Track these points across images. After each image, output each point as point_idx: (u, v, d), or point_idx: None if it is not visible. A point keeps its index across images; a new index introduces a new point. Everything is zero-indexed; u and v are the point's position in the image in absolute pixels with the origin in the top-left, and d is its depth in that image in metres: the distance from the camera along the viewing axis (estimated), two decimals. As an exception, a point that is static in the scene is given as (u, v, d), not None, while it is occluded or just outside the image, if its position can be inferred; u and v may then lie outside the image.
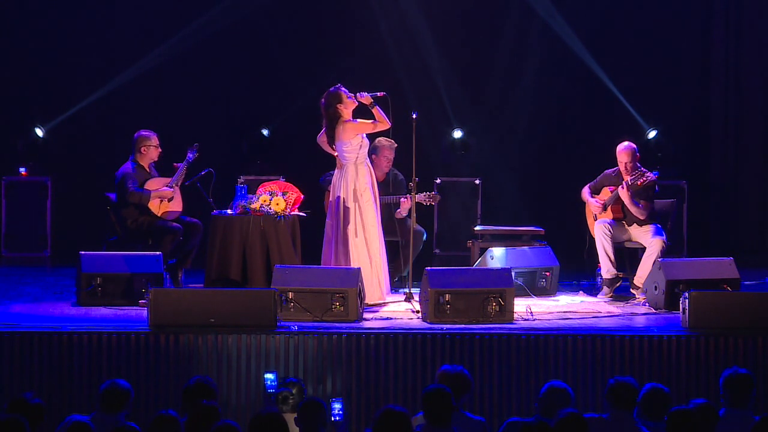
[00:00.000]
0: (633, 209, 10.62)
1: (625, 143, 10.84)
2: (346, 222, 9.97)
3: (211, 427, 5.87)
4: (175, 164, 10.81)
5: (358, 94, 9.92)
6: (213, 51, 14.05)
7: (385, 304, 9.95)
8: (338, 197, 10.00)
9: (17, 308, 9.79)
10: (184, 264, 10.71)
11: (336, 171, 10.13)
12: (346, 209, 9.96)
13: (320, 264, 10.09)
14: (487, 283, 9.33)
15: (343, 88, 9.97)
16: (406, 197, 10.81)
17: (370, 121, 9.96)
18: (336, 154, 10.07)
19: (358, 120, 9.98)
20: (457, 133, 14.17)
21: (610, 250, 10.57)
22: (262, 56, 14.17)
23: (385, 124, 9.93)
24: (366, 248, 9.97)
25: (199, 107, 13.99)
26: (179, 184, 10.77)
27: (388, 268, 10.32)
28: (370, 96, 9.91)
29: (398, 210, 10.97)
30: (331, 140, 10.00)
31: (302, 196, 10.53)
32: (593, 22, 14.12)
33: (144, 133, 10.85)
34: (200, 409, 6.20)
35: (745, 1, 14.27)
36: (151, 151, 10.79)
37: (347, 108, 9.96)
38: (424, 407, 6.41)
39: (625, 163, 10.72)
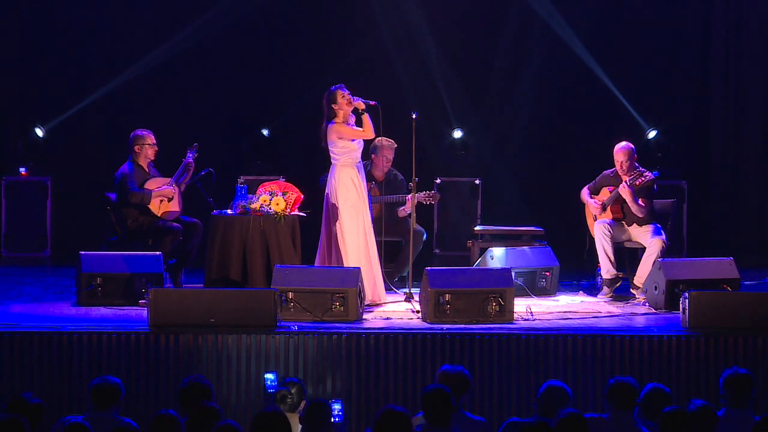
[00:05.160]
0: (634, 207, 10.61)
1: (622, 143, 10.85)
2: (334, 220, 9.99)
3: (212, 427, 5.87)
4: (186, 160, 10.75)
5: (353, 98, 9.93)
6: (213, 51, 14.04)
7: (375, 305, 9.92)
8: (327, 195, 10.05)
9: (17, 308, 9.79)
10: (184, 264, 10.71)
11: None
12: (333, 208, 9.99)
13: (315, 263, 10.10)
14: (487, 283, 9.33)
15: (343, 89, 9.98)
16: (409, 196, 10.81)
17: (357, 128, 9.96)
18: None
19: (345, 125, 9.96)
20: (457, 133, 14.17)
21: (609, 250, 10.56)
22: (262, 56, 14.17)
23: (369, 134, 9.95)
24: (345, 251, 9.94)
25: (199, 107, 13.99)
26: (185, 183, 10.75)
27: (389, 269, 10.32)
28: (363, 102, 9.92)
29: (401, 208, 10.97)
30: (322, 138, 10.03)
31: (302, 196, 10.53)
32: (593, 22, 14.12)
33: (139, 132, 10.84)
34: (201, 409, 6.20)
35: (745, 1, 14.27)
36: (146, 149, 10.78)
37: (341, 109, 9.96)
38: (424, 407, 6.42)
39: (621, 162, 10.71)
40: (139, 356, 8.51)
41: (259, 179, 11.82)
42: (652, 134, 13.96)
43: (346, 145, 9.98)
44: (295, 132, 13.88)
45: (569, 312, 9.83)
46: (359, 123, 10.04)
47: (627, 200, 10.61)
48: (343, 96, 9.94)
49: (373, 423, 5.95)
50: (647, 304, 10.10)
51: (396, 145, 10.97)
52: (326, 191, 10.11)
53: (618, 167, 10.77)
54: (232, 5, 13.81)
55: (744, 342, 8.64)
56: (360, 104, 9.92)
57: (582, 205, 11.06)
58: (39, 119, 13.91)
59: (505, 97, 14.27)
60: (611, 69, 14.06)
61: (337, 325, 8.90)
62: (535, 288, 10.63)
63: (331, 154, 10.04)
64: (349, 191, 9.96)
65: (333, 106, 9.97)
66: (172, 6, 13.98)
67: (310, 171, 11.61)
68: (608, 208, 10.78)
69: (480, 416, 7.22)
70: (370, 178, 10.94)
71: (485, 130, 14.31)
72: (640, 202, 10.63)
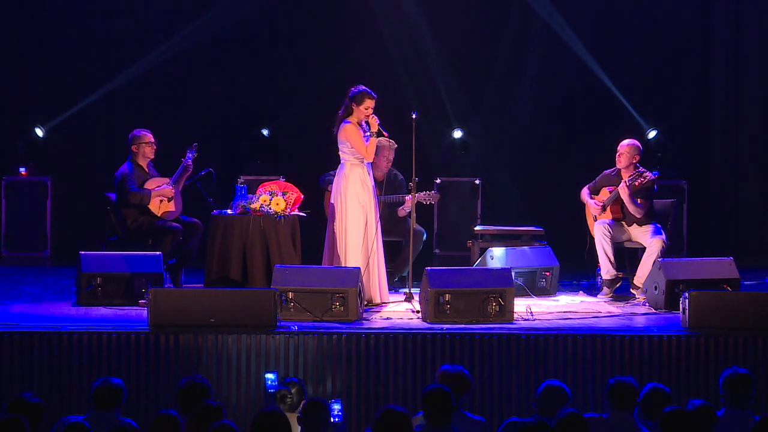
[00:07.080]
0: (631, 207, 10.61)
1: (629, 140, 10.84)
2: (332, 219, 10.00)
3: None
4: (186, 161, 10.73)
5: (373, 114, 9.91)
6: (213, 51, 14.06)
7: (377, 305, 9.91)
8: (333, 194, 10.06)
9: (17, 308, 9.79)
10: (184, 264, 10.71)
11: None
12: (333, 207, 10.00)
13: (321, 263, 10.09)
14: (487, 283, 9.32)
15: (373, 98, 9.86)
16: (409, 195, 10.81)
17: (363, 142, 9.92)
18: None
19: (358, 130, 9.93)
20: (457, 133, 14.18)
21: (609, 250, 10.56)
22: (261, 56, 14.18)
23: (369, 156, 9.94)
24: (345, 249, 9.93)
25: (199, 107, 14.00)
26: (182, 183, 10.75)
27: (389, 268, 10.31)
28: (378, 126, 9.88)
29: (401, 207, 10.97)
30: (335, 124, 10.00)
31: (302, 196, 10.53)
32: (593, 22, 14.13)
33: (137, 131, 10.84)
34: (204, 408, 6.20)
35: (745, 1, 14.27)
36: (144, 148, 10.76)
37: (358, 112, 9.92)
38: (424, 407, 6.42)
39: (621, 155, 10.69)
40: (139, 356, 8.50)
41: (259, 179, 11.82)
42: (652, 134, 13.97)
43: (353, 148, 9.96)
44: (295, 132, 13.89)
45: (569, 312, 9.82)
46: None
47: (624, 200, 10.60)
48: (368, 107, 9.89)
49: (373, 423, 5.95)
50: (647, 304, 10.10)
51: (396, 146, 10.96)
52: (332, 189, 10.10)
53: (617, 160, 10.74)
54: (231, 5, 13.81)
55: (744, 342, 8.64)
56: (374, 125, 9.88)
57: (582, 205, 11.06)
58: (39, 119, 13.91)
59: (505, 97, 14.28)
60: (611, 69, 14.06)
61: (337, 325, 8.90)
62: (535, 288, 10.63)
63: (341, 153, 10.02)
64: (358, 190, 9.95)
65: (353, 105, 9.93)
66: (172, 6, 13.98)
67: (310, 171, 11.61)
68: (608, 208, 10.78)
69: (480, 416, 7.22)
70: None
71: (485, 130, 14.31)
72: (638, 202, 10.62)
